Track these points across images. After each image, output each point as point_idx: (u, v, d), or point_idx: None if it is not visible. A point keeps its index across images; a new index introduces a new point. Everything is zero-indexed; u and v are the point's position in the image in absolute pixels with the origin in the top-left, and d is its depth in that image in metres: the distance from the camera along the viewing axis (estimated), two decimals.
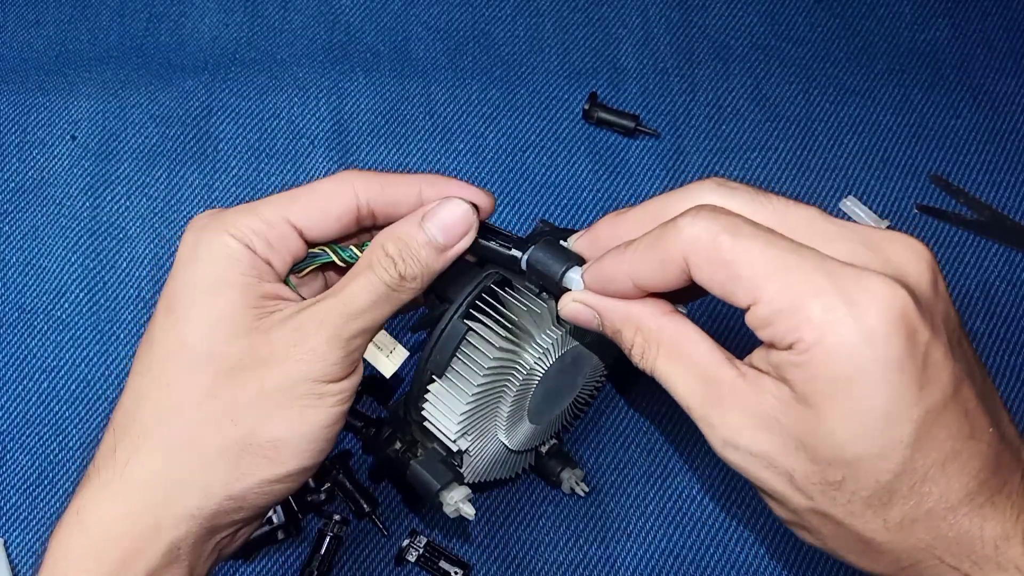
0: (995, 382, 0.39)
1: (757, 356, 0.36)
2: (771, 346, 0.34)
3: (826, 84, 0.73)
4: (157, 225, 0.66)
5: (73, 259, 0.65)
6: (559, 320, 0.44)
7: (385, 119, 0.70)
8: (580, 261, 0.41)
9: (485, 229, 0.44)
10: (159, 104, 0.70)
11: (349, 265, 0.42)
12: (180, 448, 0.38)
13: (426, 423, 0.47)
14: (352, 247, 0.43)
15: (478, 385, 0.44)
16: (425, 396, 0.46)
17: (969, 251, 0.67)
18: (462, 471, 0.49)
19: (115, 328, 0.63)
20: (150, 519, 0.38)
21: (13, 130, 0.69)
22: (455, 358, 0.45)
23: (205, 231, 0.40)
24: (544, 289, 0.44)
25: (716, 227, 0.34)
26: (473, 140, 0.70)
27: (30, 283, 0.64)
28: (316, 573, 0.55)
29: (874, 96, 0.73)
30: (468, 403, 0.45)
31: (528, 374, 0.46)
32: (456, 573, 0.55)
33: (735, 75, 0.74)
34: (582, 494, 0.56)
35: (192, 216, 0.66)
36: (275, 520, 0.54)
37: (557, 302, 0.42)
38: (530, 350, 0.45)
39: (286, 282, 0.42)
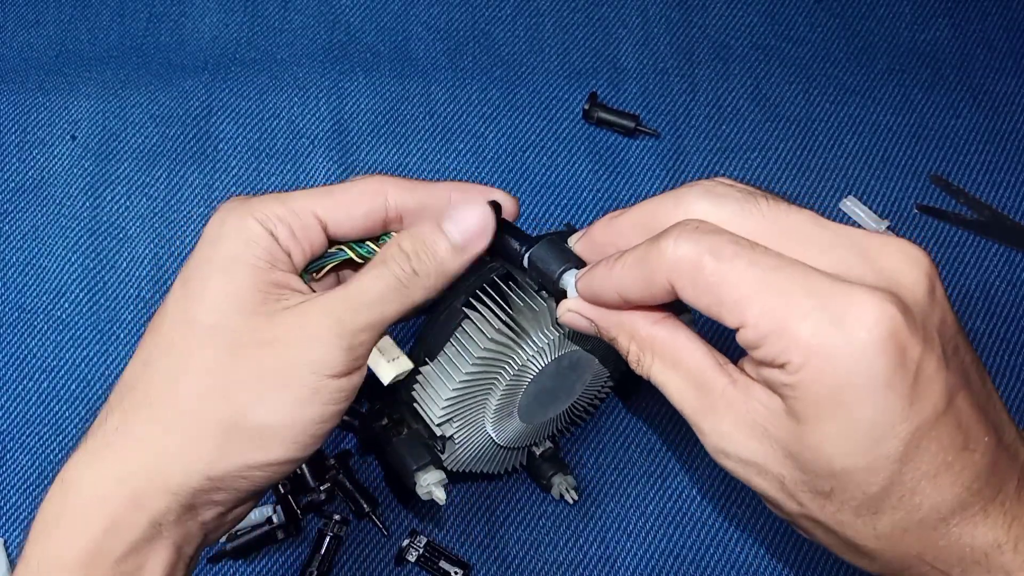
0: (995, 382, 0.39)
1: (749, 365, 0.36)
2: (761, 363, 0.34)
3: (826, 84, 0.73)
4: (157, 225, 0.66)
5: (73, 259, 0.65)
6: (557, 323, 0.44)
7: (385, 119, 0.70)
8: (580, 263, 0.41)
9: (501, 225, 0.44)
10: (159, 104, 0.70)
11: (366, 262, 0.42)
12: (168, 420, 0.38)
13: (415, 404, 0.48)
14: (369, 243, 0.43)
15: (466, 372, 0.44)
16: (415, 378, 0.46)
17: (969, 251, 0.67)
18: (444, 457, 0.49)
19: (115, 328, 0.63)
20: (132, 490, 0.38)
21: (13, 130, 0.69)
22: (448, 343, 0.45)
23: (231, 213, 0.40)
24: (543, 287, 0.44)
25: (699, 249, 0.34)
26: (473, 140, 0.70)
27: (30, 283, 0.64)
28: (316, 573, 0.55)
29: (874, 96, 0.73)
30: (455, 389, 0.45)
31: (520, 370, 0.46)
32: (456, 573, 0.55)
33: (735, 75, 0.74)
34: (571, 501, 0.56)
35: (191, 216, 0.66)
36: (275, 520, 0.54)
37: (556, 302, 0.42)
38: (525, 347, 0.45)
39: (301, 276, 0.42)
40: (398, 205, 0.42)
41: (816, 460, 0.34)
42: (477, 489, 0.58)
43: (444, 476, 0.47)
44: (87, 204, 0.67)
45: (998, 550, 0.34)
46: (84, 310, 0.63)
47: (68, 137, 0.69)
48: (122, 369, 0.63)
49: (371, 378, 0.44)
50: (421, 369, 0.46)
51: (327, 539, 0.55)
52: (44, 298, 0.64)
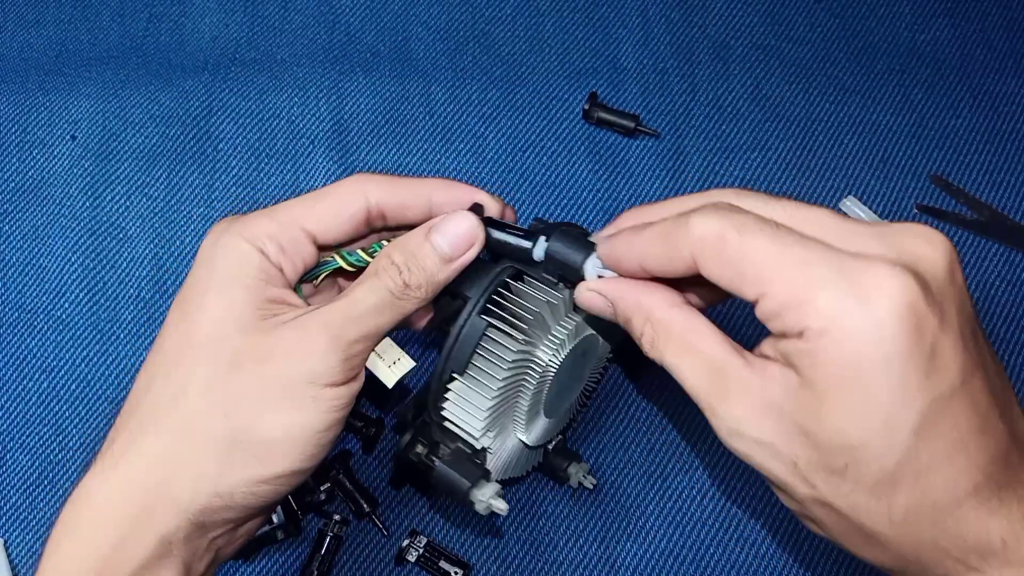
0: None
1: (766, 344, 0.36)
2: (781, 335, 0.35)
3: (826, 84, 0.73)
4: (157, 225, 0.66)
5: (73, 259, 0.65)
6: (575, 308, 0.45)
7: (385, 119, 0.71)
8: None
9: (493, 223, 0.44)
10: (159, 104, 0.70)
11: (358, 270, 0.43)
12: (173, 438, 0.39)
13: (447, 423, 0.47)
14: (359, 251, 0.44)
15: (502, 379, 0.44)
16: (446, 395, 0.46)
17: (969, 251, 0.67)
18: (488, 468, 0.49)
19: (115, 328, 0.63)
20: (140, 507, 0.38)
21: (13, 130, 0.69)
22: (476, 355, 0.45)
23: (223, 234, 0.41)
24: (562, 278, 0.44)
25: (724, 224, 0.35)
26: (473, 140, 0.70)
27: (30, 283, 0.64)
28: (316, 573, 0.55)
29: (874, 96, 0.73)
30: (492, 399, 0.45)
31: (547, 366, 0.46)
32: (456, 573, 0.55)
33: (735, 75, 0.74)
34: (590, 487, 0.56)
35: (191, 216, 0.66)
36: (275, 520, 0.54)
37: (573, 291, 0.43)
38: (549, 342, 0.46)
39: (295, 290, 0.43)
40: (379, 203, 0.43)
41: (831, 433, 0.34)
42: None
43: (498, 486, 0.46)
44: (87, 204, 0.67)
45: (1016, 540, 0.34)
46: (84, 310, 0.63)
47: (68, 137, 0.69)
48: (122, 369, 0.63)
49: (372, 379, 0.44)
50: (451, 386, 0.46)
51: (327, 539, 0.55)
52: (44, 298, 0.64)
